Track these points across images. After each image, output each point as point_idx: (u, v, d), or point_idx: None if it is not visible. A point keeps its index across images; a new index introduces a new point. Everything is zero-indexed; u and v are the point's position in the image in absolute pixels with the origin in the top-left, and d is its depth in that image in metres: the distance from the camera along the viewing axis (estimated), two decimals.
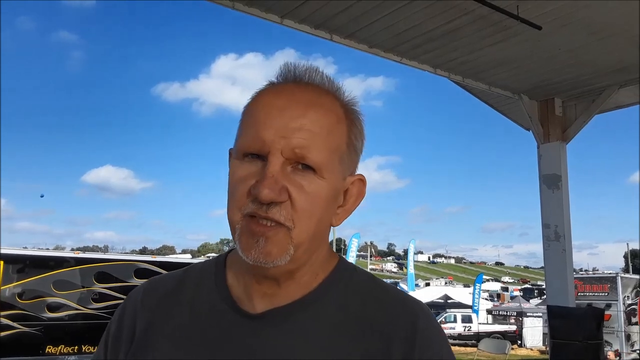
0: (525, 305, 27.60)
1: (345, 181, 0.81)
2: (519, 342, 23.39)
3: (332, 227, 0.84)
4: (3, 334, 8.18)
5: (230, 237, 0.81)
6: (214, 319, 0.81)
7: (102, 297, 9.18)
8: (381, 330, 0.79)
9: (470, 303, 28.88)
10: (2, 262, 8.31)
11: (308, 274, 0.82)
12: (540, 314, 22.14)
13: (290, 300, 0.80)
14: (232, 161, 0.79)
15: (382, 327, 0.79)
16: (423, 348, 0.78)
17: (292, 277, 0.80)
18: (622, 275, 16.91)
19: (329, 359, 0.76)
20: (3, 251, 8.51)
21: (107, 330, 0.90)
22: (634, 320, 15.83)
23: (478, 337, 22.17)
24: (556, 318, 6.26)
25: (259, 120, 0.76)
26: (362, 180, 0.84)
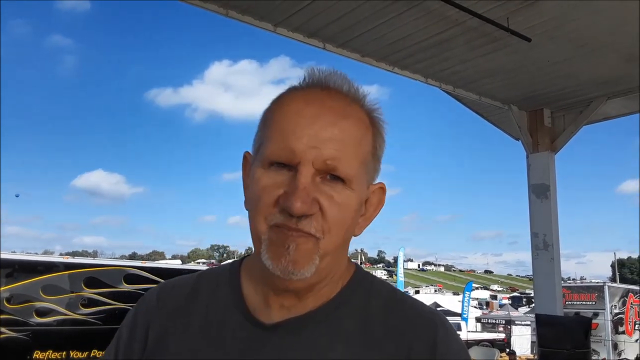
0: (514, 313, 27.71)
1: (368, 190, 0.80)
2: (507, 350, 23.45)
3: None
4: None
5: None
6: (228, 329, 0.79)
7: (91, 303, 9.13)
8: (400, 341, 0.77)
9: (459, 311, 28.94)
10: None
11: (329, 285, 0.80)
12: (529, 322, 22.22)
13: (306, 311, 0.78)
14: (255, 169, 0.76)
15: (401, 338, 0.77)
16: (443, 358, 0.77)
17: (312, 289, 0.78)
18: (610, 284, 17.03)
19: None
20: None
21: (118, 335, 0.88)
22: (621, 329, 15.95)
23: (467, 344, 22.21)
24: (544, 326, 6.31)
25: (288, 129, 0.73)
26: (382, 188, 0.82)
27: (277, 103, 0.78)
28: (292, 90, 0.79)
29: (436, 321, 0.80)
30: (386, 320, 0.79)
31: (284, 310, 0.78)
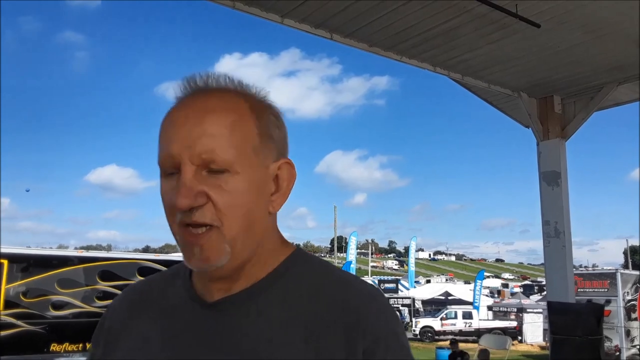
0: (525, 301, 27.64)
1: (269, 169, 0.84)
2: (520, 337, 23.44)
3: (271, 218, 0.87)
4: (9, 332, 8.24)
5: None
6: (179, 311, 0.87)
7: (106, 296, 9.25)
8: (325, 321, 0.81)
9: (471, 299, 28.95)
10: (6, 262, 8.36)
11: (257, 265, 0.85)
12: (541, 310, 22.18)
13: (240, 289, 0.85)
14: (160, 179, 0.84)
15: (326, 317, 0.81)
16: (367, 340, 0.79)
17: (243, 270, 0.84)
18: (622, 271, 16.95)
19: (272, 347, 0.79)
20: (7, 250, 8.55)
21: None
22: (633, 316, 15.86)
23: (479, 333, 22.21)
24: (556, 314, 6.31)
25: (167, 137, 0.81)
26: (289, 163, 0.87)
27: (164, 117, 0.85)
28: (175, 102, 0.86)
29: (363, 300, 0.83)
30: (313, 301, 0.83)
31: (221, 292, 0.85)
